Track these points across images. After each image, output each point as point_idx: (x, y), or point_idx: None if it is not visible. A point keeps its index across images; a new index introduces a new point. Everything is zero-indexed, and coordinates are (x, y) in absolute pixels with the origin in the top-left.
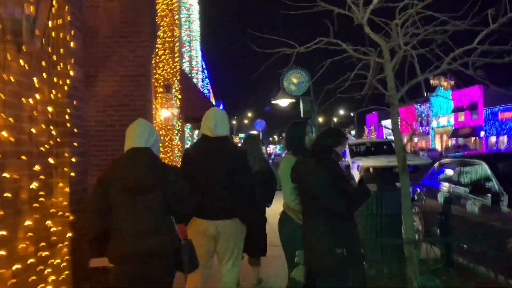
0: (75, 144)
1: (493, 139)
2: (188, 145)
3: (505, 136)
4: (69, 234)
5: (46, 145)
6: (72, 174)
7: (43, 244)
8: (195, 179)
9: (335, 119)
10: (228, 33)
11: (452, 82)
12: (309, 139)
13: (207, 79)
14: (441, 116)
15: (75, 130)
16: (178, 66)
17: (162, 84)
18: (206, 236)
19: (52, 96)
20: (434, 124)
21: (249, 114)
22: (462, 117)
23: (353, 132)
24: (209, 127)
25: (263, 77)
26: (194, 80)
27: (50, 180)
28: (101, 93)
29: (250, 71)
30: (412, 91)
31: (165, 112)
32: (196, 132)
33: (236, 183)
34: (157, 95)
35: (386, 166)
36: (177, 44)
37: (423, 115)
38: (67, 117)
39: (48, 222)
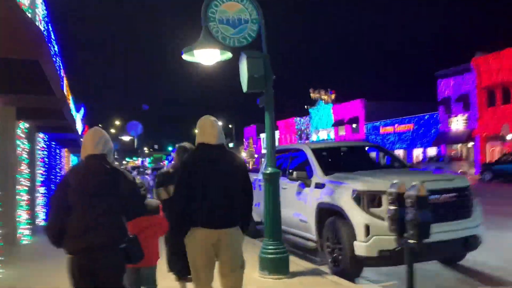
0: None
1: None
2: None
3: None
4: None
5: None
6: None
7: None
8: (197, 187)
9: None
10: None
11: (333, 96)
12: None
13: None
14: (321, 130)
15: None
16: None
17: None
18: (207, 245)
19: None
20: (313, 137)
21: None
22: (342, 131)
23: (231, 145)
24: (212, 134)
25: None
26: None
27: None
28: None
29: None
30: (292, 104)
31: None
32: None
33: (238, 191)
34: None
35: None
36: None
37: (302, 128)
38: None
39: None
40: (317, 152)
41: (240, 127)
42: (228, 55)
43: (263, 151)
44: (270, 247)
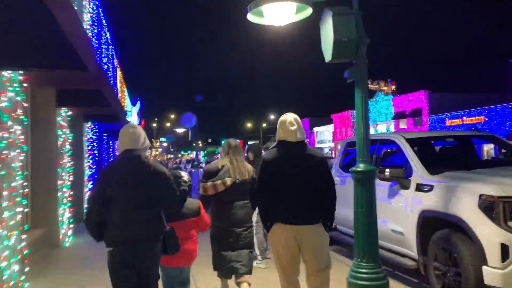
0: None
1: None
2: None
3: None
4: None
5: None
6: None
7: None
8: (277, 184)
9: (264, 125)
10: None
11: (394, 87)
12: None
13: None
14: (380, 123)
15: None
16: None
17: None
18: (288, 241)
19: None
20: (371, 131)
21: (172, 116)
22: (404, 124)
23: None
24: (293, 132)
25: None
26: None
27: None
28: None
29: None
30: (348, 97)
31: None
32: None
33: (319, 188)
34: None
35: None
36: None
37: None
38: None
39: None
40: (415, 144)
41: None
42: (307, 11)
43: (317, 145)
44: (363, 270)
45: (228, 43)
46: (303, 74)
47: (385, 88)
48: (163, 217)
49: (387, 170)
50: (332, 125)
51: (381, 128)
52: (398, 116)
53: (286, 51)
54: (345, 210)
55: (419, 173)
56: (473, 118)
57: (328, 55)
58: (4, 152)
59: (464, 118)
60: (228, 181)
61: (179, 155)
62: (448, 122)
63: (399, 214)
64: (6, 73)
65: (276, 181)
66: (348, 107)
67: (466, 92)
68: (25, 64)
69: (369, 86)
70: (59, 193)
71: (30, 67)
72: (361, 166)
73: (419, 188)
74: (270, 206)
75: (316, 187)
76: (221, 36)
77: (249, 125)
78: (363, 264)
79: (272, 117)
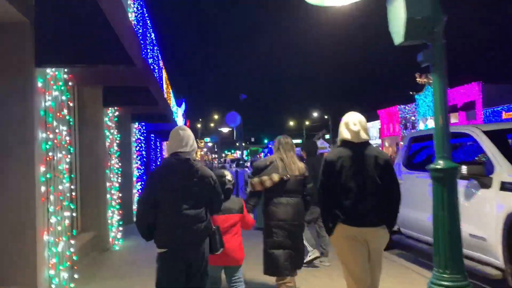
0: None
1: None
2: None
3: None
4: None
5: None
6: None
7: None
8: (341, 184)
9: (307, 122)
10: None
11: None
12: None
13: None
14: (430, 118)
15: None
16: None
17: None
18: (351, 242)
19: None
20: (421, 126)
21: (216, 116)
22: (455, 118)
23: (327, 137)
24: (355, 132)
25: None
26: None
27: None
28: None
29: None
30: (394, 91)
31: None
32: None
33: (384, 189)
34: None
35: None
36: None
37: (407, 117)
38: None
39: None
40: (496, 137)
41: (336, 117)
42: None
43: (374, 141)
44: (446, 283)
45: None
46: (347, 70)
47: None
48: (209, 217)
49: (464, 167)
50: (379, 121)
51: (431, 123)
52: (449, 110)
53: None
54: (409, 212)
55: (505, 169)
56: None
57: (398, 37)
58: (49, 154)
59: None
60: (276, 177)
61: (223, 155)
62: (504, 115)
63: (479, 217)
64: (50, 71)
65: (340, 182)
66: (396, 102)
67: None
68: (70, 60)
69: (417, 79)
70: (108, 195)
71: (75, 63)
72: (441, 163)
73: (505, 187)
74: (332, 206)
75: (381, 188)
76: (264, 34)
77: (291, 123)
78: (446, 276)
79: (315, 114)
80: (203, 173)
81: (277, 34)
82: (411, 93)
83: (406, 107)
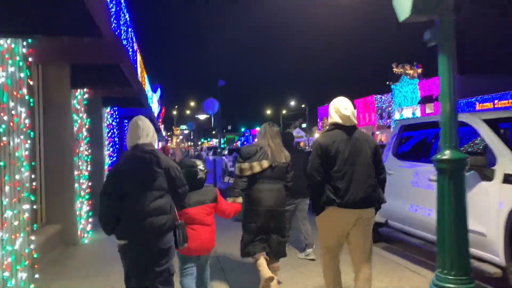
0: None
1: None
2: None
3: None
4: None
5: None
6: None
7: None
8: (332, 167)
9: (283, 111)
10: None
11: (420, 70)
12: None
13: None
14: (406, 108)
15: None
16: None
17: None
18: (343, 226)
19: None
20: (397, 116)
21: (192, 103)
22: (430, 108)
23: (303, 126)
24: (347, 116)
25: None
26: None
27: None
28: None
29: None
30: (371, 80)
31: None
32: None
33: (373, 171)
34: None
35: None
36: None
37: (383, 106)
38: None
39: None
40: (496, 125)
41: (313, 106)
42: None
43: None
44: (451, 285)
45: (249, 29)
46: (323, 59)
47: (411, 71)
48: (175, 209)
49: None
50: (355, 110)
51: (406, 113)
52: (425, 100)
53: (305, 34)
54: (397, 203)
55: (507, 161)
56: (506, 101)
57: (405, 11)
58: (3, 138)
59: (496, 101)
60: (265, 163)
61: (199, 143)
62: (478, 106)
63: (479, 211)
64: (5, 43)
65: (335, 165)
66: (372, 92)
67: (496, 73)
68: (25, 29)
69: (394, 69)
70: (76, 185)
71: (31, 33)
72: (447, 154)
73: (509, 179)
74: (323, 189)
75: (373, 170)
76: (240, 20)
77: (268, 112)
78: (451, 277)
79: (292, 103)
80: (167, 164)
81: (257, 21)
82: (387, 83)
83: (383, 97)
